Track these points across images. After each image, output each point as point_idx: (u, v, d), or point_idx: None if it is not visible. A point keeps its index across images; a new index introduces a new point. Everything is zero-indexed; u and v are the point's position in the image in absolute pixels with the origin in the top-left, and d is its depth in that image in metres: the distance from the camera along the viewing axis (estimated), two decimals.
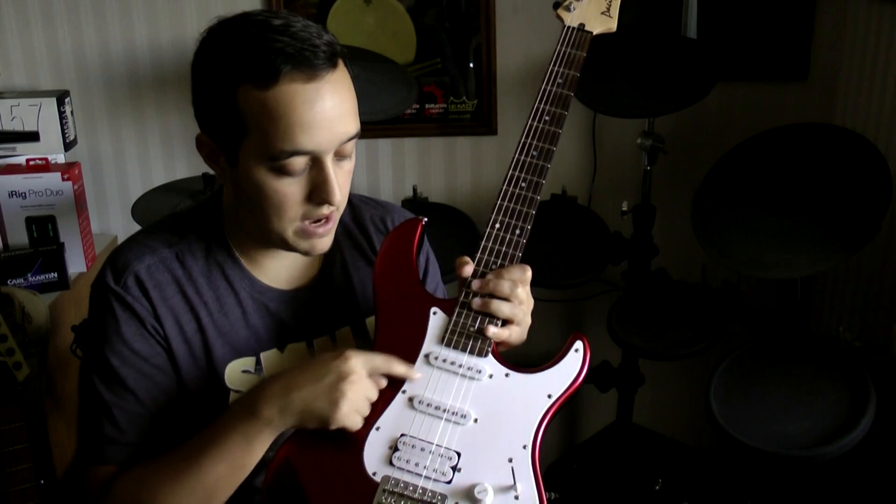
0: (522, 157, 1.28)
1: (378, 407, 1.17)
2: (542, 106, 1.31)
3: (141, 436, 1.22)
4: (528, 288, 1.24)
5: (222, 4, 2.41)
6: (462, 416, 1.16)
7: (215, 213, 1.30)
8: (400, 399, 1.18)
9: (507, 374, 1.19)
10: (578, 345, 1.21)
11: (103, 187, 2.56)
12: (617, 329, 2.17)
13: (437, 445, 1.15)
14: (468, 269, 1.24)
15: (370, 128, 2.46)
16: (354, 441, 1.15)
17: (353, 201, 1.41)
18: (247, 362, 1.27)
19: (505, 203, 1.26)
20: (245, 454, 1.15)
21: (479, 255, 1.25)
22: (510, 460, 1.14)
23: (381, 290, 1.26)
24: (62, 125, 2.33)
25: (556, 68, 1.33)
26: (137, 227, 2.05)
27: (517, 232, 1.25)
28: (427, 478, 1.13)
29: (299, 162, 1.14)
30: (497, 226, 1.25)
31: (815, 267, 1.92)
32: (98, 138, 2.52)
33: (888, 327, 2.01)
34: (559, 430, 2.81)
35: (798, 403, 1.85)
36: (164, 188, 2.29)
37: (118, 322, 1.22)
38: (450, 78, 2.49)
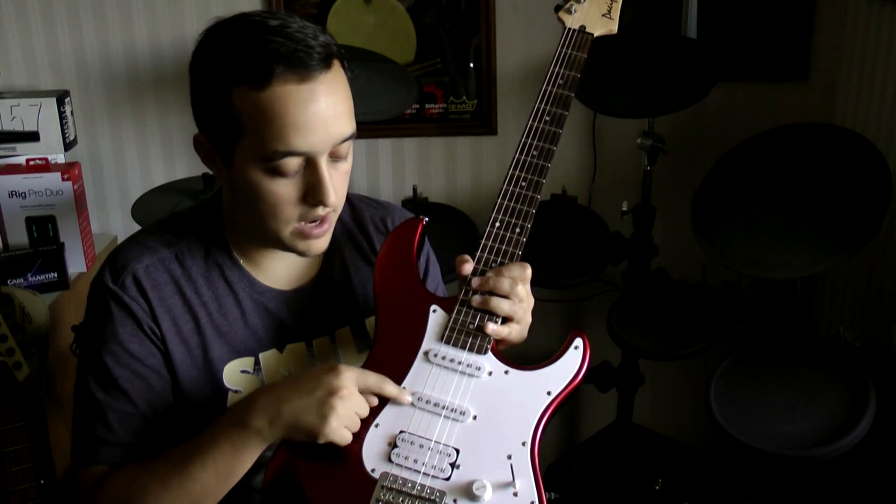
0: (523, 157, 1.29)
1: (378, 404, 1.17)
2: (542, 106, 1.32)
3: (133, 436, 1.21)
4: (528, 286, 1.24)
5: (222, 4, 2.41)
6: (461, 412, 1.16)
7: (215, 213, 1.30)
8: None
9: (506, 372, 1.19)
10: (578, 342, 1.21)
11: (103, 187, 2.56)
12: (617, 329, 2.17)
13: (435, 442, 1.15)
14: (468, 267, 1.24)
15: (370, 128, 2.46)
16: (353, 438, 1.15)
17: (354, 201, 1.41)
18: (246, 362, 1.27)
19: (505, 202, 1.27)
20: (233, 463, 1.15)
21: (479, 253, 1.25)
22: (509, 457, 1.14)
23: (381, 289, 1.26)
24: (62, 125, 2.33)
25: (556, 69, 1.34)
26: (137, 227, 2.05)
27: (517, 230, 1.25)
28: (426, 474, 1.13)
29: (293, 163, 1.14)
30: (497, 224, 1.26)
31: (815, 267, 1.92)
32: (98, 138, 2.52)
33: (888, 327, 2.01)
34: (559, 430, 2.81)
35: (798, 403, 1.85)
36: (164, 188, 2.29)
37: (114, 322, 1.22)
38: (450, 78, 2.49)
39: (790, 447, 1.76)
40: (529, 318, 1.26)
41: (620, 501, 2.26)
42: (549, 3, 2.41)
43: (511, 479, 1.12)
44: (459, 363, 1.19)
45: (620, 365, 2.40)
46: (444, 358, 1.20)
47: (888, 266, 2.12)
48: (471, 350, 1.20)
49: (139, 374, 1.22)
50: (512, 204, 1.26)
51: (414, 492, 1.11)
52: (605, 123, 2.47)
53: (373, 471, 1.14)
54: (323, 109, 1.13)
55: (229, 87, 1.12)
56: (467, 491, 1.11)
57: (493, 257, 1.24)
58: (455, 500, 1.11)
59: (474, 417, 1.16)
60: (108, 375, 1.21)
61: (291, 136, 1.12)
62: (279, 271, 1.30)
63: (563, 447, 2.80)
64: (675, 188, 2.46)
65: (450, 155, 2.55)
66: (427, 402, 1.17)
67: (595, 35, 1.37)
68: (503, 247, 1.25)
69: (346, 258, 1.36)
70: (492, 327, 1.20)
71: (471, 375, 1.19)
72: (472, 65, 2.47)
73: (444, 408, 1.17)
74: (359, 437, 1.15)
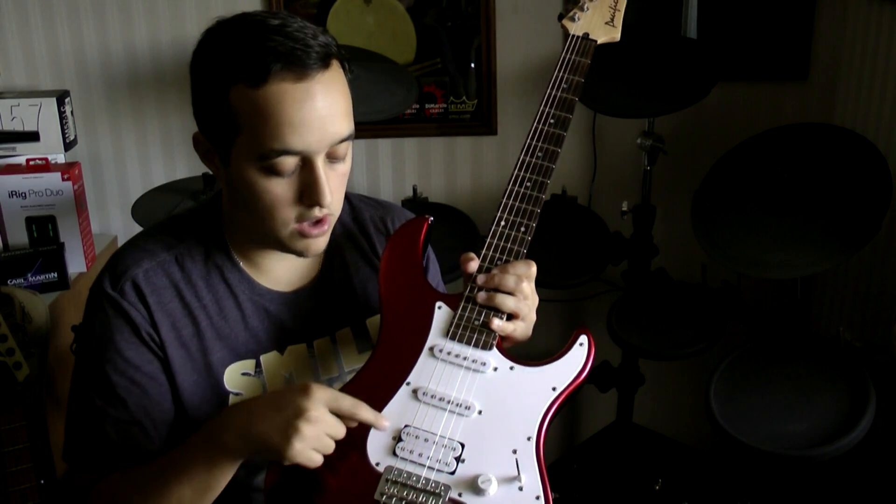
0: (528, 158, 1.31)
1: (382, 399, 1.18)
2: (547, 110, 1.35)
3: (127, 444, 1.21)
4: (532, 284, 1.24)
5: (222, 4, 2.41)
6: (466, 407, 1.17)
7: (215, 215, 1.29)
8: (404, 391, 1.19)
9: (511, 368, 1.20)
10: (583, 339, 1.22)
11: (103, 187, 2.56)
12: (617, 329, 2.17)
13: (440, 436, 1.15)
14: (473, 265, 1.24)
15: (370, 128, 2.46)
16: (357, 431, 1.15)
17: (354, 201, 1.41)
18: (247, 365, 1.27)
19: (510, 201, 1.28)
20: (208, 478, 1.13)
21: (484, 251, 1.26)
22: (514, 451, 1.14)
23: (386, 286, 1.27)
24: (62, 125, 2.33)
25: (561, 74, 1.37)
26: (137, 227, 2.06)
27: (522, 229, 1.26)
28: (430, 468, 1.13)
29: (289, 162, 1.14)
30: (502, 223, 1.27)
31: (815, 267, 1.93)
32: (98, 138, 2.52)
33: (888, 327, 2.01)
34: (559, 430, 2.81)
35: (798, 403, 1.85)
36: (164, 188, 2.29)
37: (111, 328, 1.21)
38: (450, 78, 2.49)
39: (790, 447, 1.76)
40: (534, 316, 1.26)
41: (620, 501, 2.26)
42: (550, 3, 2.43)
43: (516, 473, 1.12)
44: (465, 359, 1.20)
45: (620, 365, 2.40)
46: (449, 353, 1.20)
47: (888, 266, 2.12)
48: (476, 346, 1.20)
49: (136, 382, 1.21)
50: (517, 203, 1.28)
51: (419, 485, 1.11)
52: (605, 123, 2.47)
53: (377, 464, 1.14)
54: (319, 108, 1.13)
55: (227, 85, 1.13)
56: (472, 485, 1.11)
57: (498, 255, 1.25)
58: (460, 494, 1.11)
59: (479, 412, 1.17)
60: (104, 383, 1.21)
61: (287, 134, 1.11)
62: (279, 273, 1.30)
63: (563, 447, 2.80)
64: (675, 188, 2.46)
65: (450, 155, 2.55)
66: (432, 396, 1.18)
67: (598, 42, 1.41)
68: (508, 245, 1.26)
69: (346, 258, 1.35)
70: (497, 323, 1.21)
71: (476, 371, 1.19)
72: (472, 65, 2.47)
73: (449, 402, 1.17)
74: (364, 430, 1.15)
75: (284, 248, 1.22)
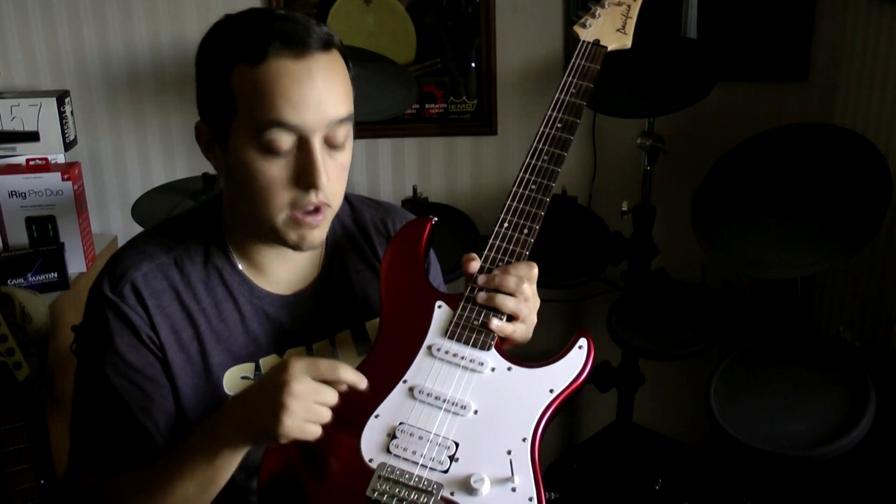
0: (534, 161, 1.31)
1: (378, 395, 1.17)
2: (554, 114, 1.35)
3: (129, 446, 1.21)
4: (534, 286, 1.24)
5: (222, 4, 2.41)
6: (462, 406, 1.16)
7: (214, 215, 1.29)
8: (400, 388, 1.19)
9: (509, 368, 1.20)
10: (583, 342, 1.22)
11: (103, 187, 2.56)
12: (617, 329, 2.17)
13: (435, 434, 1.14)
14: (475, 265, 1.24)
15: (370, 128, 2.46)
16: (353, 427, 1.15)
17: (354, 203, 1.40)
18: (246, 368, 1.26)
19: (514, 203, 1.28)
20: (211, 472, 1.13)
21: (486, 251, 1.26)
22: (509, 452, 1.14)
23: (387, 284, 1.27)
24: (62, 125, 2.33)
25: (570, 79, 1.38)
26: (137, 227, 2.06)
27: (525, 231, 1.26)
28: (424, 466, 1.12)
29: (284, 138, 1.13)
30: (506, 224, 1.27)
31: (815, 267, 1.93)
32: (98, 138, 2.52)
33: (888, 327, 2.01)
34: (559, 430, 2.81)
35: (798, 403, 1.85)
36: (164, 188, 2.29)
37: (111, 332, 1.21)
38: (450, 78, 2.49)
39: (790, 447, 1.76)
40: (534, 319, 1.26)
41: (620, 501, 2.26)
42: (550, 3, 2.43)
43: (510, 474, 1.12)
44: (462, 358, 1.20)
45: (620, 365, 2.40)
46: (447, 352, 1.20)
47: (888, 266, 2.12)
48: (474, 346, 1.20)
49: (137, 384, 1.21)
50: (521, 206, 1.28)
51: (411, 483, 1.11)
52: (605, 123, 2.47)
53: (371, 461, 1.13)
54: (317, 85, 1.14)
55: (229, 66, 1.14)
56: (465, 484, 1.11)
57: (499, 256, 1.25)
58: (452, 493, 1.11)
59: (475, 412, 1.16)
60: (106, 386, 1.21)
61: (283, 107, 1.12)
62: (279, 275, 1.29)
63: (563, 447, 2.80)
64: (675, 188, 2.46)
65: (450, 155, 2.55)
66: (428, 394, 1.17)
67: (609, 49, 1.42)
68: (510, 246, 1.26)
69: (346, 261, 1.35)
70: (496, 323, 1.20)
71: (473, 371, 1.19)
72: (473, 64, 2.47)
73: (445, 401, 1.17)
74: (358, 427, 1.15)
75: (279, 237, 1.20)
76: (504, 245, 1.26)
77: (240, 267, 1.27)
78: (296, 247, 1.21)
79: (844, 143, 2.02)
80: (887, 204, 1.85)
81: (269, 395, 1.07)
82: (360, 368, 1.21)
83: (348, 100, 1.19)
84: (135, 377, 1.21)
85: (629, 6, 1.46)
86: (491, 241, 1.27)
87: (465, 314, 1.22)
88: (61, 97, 2.33)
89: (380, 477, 1.12)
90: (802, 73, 2.42)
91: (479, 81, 2.48)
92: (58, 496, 1.85)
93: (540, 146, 1.32)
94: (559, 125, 1.33)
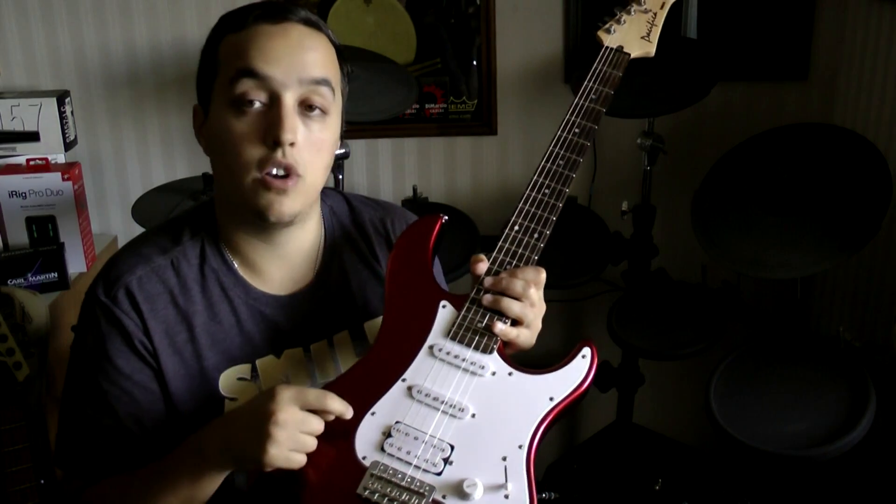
0: (549, 165, 1.30)
1: (376, 392, 1.17)
2: (573, 119, 1.34)
3: (115, 451, 1.21)
4: (541, 291, 1.23)
5: (222, 4, 2.41)
6: (460, 409, 1.15)
7: (210, 215, 1.29)
8: (399, 387, 1.18)
9: (510, 373, 1.18)
10: (586, 351, 1.20)
11: (103, 187, 2.56)
12: (617, 329, 2.17)
13: (430, 436, 1.13)
14: (482, 267, 1.23)
15: (370, 128, 2.46)
16: (348, 425, 1.14)
17: (353, 203, 1.40)
18: (242, 370, 1.25)
19: (526, 207, 1.27)
20: (194, 490, 1.13)
21: (494, 254, 1.25)
22: (504, 458, 1.12)
23: (392, 280, 1.26)
24: (62, 125, 2.33)
25: (591, 84, 1.37)
26: (137, 227, 2.06)
27: (535, 235, 1.25)
28: (417, 467, 1.11)
29: (255, 92, 1.15)
30: (516, 228, 1.26)
31: (815, 267, 1.93)
32: (98, 138, 2.52)
33: (888, 327, 2.01)
34: (559, 430, 2.81)
35: (798, 403, 1.85)
36: (164, 188, 2.28)
37: (103, 337, 1.21)
38: (450, 77, 2.49)
39: (790, 447, 1.76)
40: (539, 324, 1.24)
41: (620, 501, 2.26)
42: (550, 3, 2.43)
43: (504, 480, 1.10)
44: (463, 360, 1.19)
45: (620, 365, 2.40)
46: (448, 354, 1.19)
47: (888, 266, 2.12)
48: (476, 348, 1.19)
49: (126, 391, 1.21)
50: (533, 209, 1.27)
51: (403, 483, 1.10)
52: (605, 123, 2.44)
53: (364, 458, 1.12)
54: (292, 43, 1.18)
55: (218, 40, 1.20)
56: (457, 488, 1.10)
57: (508, 259, 1.24)
58: (444, 497, 1.10)
59: (473, 415, 1.15)
60: (95, 390, 1.21)
61: (255, 57, 1.16)
62: (275, 275, 1.28)
63: (563, 447, 2.80)
64: (675, 188, 2.46)
65: (450, 155, 2.55)
66: (426, 395, 1.16)
67: (632, 56, 1.41)
68: (519, 250, 1.24)
69: (344, 261, 1.34)
70: (500, 327, 1.19)
71: (473, 373, 1.18)
72: (475, 63, 2.47)
73: (443, 403, 1.16)
74: (354, 423, 1.14)
75: (248, 205, 1.19)
76: (513, 248, 1.25)
77: (236, 267, 1.27)
78: (262, 215, 1.18)
79: (844, 143, 2.02)
80: (887, 204, 1.85)
81: (255, 423, 1.07)
82: (360, 364, 1.21)
83: (327, 68, 1.20)
84: (124, 383, 1.21)
85: (655, 14, 1.44)
86: (500, 243, 1.25)
87: (470, 316, 1.21)
88: (61, 97, 2.33)
89: (372, 475, 1.11)
90: (802, 73, 2.42)
91: (479, 81, 2.48)
92: (58, 496, 1.85)
93: (556, 150, 1.31)
94: (577, 130, 1.32)
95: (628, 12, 1.44)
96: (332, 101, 1.21)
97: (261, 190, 1.17)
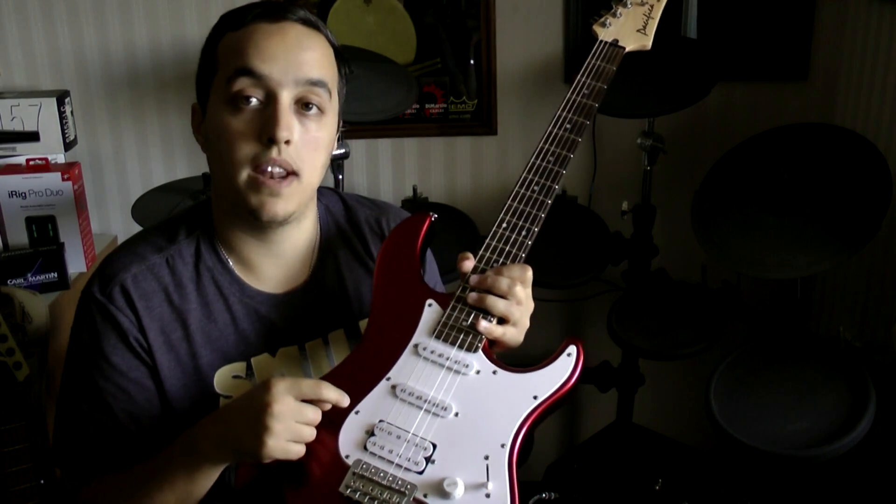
0: (538, 162, 1.29)
1: (360, 391, 1.16)
2: (564, 114, 1.32)
3: (110, 449, 1.21)
4: (528, 290, 1.22)
5: (222, 4, 2.41)
6: (443, 408, 1.15)
7: (207, 214, 1.29)
8: (383, 386, 1.17)
9: (494, 372, 1.17)
10: (572, 349, 1.19)
11: (103, 187, 2.56)
12: (617, 329, 2.17)
13: (413, 435, 1.13)
14: (468, 264, 1.22)
15: (370, 128, 2.46)
16: (332, 423, 1.14)
17: (349, 202, 1.40)
18: (237, 368, 1.26)
19: (514, 204, 1.26)
20: (190, 485, 1.14)
21: (481, 251, 1.24)
22: (486, 457, 1.11)
23: (380, 279, 1.25)
24: (62, 125, 2.33)
25: (584, 79, 1.35)
26: (137, 227, 2.06)
27: (523, 233, 1.24)
28: (398, 465, 1.11)
29: (252, 90, 1.16)
30: (504, 225, 1.25)
31: (815, 267, 1.92)
32: (98, 138, 2.52)
33: (888, 327, 2.01)
34: (559, 430, 2.81)
35: (798, 403, 1.85)
36: (164, 188, 2.28)
37: (98, 334, 1.21)
38: (450, 77, 2.49)
39: (790, 447, 1.76)
40: (527, 322, 1.24)
41: (620, 501, 2.26)
42: (550, 3, 2.43)
43: (485, 479, 1.10)
44: (448, 359, 1.18)
45: (620, 365, 2.40)
46: (432, 352, 1.19)
47: (888, 266, 2.12)
48: (461, 347, 1.18)
49: (122, 388, 1.21)
50: (521, 206, 1.26)
51: (384, 482, 1.10)
52: (605, 123, 2.47)
53: (347, 457, 1.12)
54: (290, 43, 1.18)
55: (218, 38, 1.21)
56: (439, 487, 1.09)
57: (495, 257, 1.23)
58: (425, 495, 1.09)
59: (456, 414, 1.14)
60: (90, 387, 1.21)
61: (253, 56, 1.16)
62: (270, 273, 1.28)
63: (563, 447, 2.80)
64: (675, 188, 2.46)
65: (450, 155, 2.55)
66: (410, 394, 1.16)
67: (627, 49, 1.38)
68: (506, 247, 1.23)
69: (339, 260, 1.34)
70: (484, 325, 1.18)
71: (457, 372, 1.17)
72: (472, 62, 2.47)
73: (426, 401, 1.15)
74: (338, 421, 1.14)
75: (241, 204, 1.19)
76: (500, 246, 1.24)
77: (231, 266, 1.27)
78: (255, 214, 1.18)
79: (844, 143, 2.02)
80: (887, 204, 1.85)
81: (251, 415, 1.07)
82: (345, 363, 1.21)
83: (324, 69, 1.21)
84: (119, 380, 1.21)
85: (651, 6, 1.42)
86: (487, 240, 1.24)
87: (455, 314, 1.20)
88: (61, 97, 2.33)
89: (354, 474, 1.10)
90: (802, 73, 2.42)
91: (479, 81, 2.48)
92: (58, 496, 1.85)
93: (546, 146, 1.29)
94: (568, 126, 1.31)
95: (624, 5, 1.42)
96: (329, 102, 1.21)
97: (254, 188, 1.17)
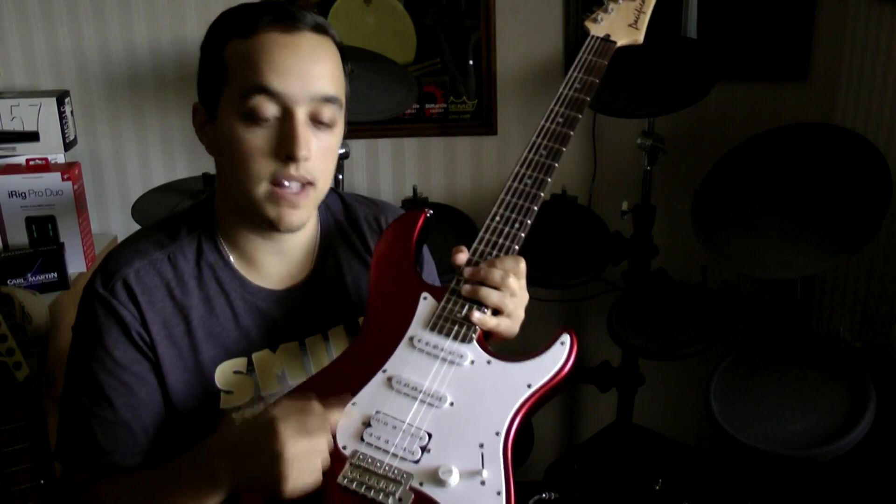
0: (531, 156, 1.30)
1: (357, 384, 1.18)
2: (556, 108, 1.33)
3: (115, 444, 1.21)
4: (522, 282, 1.23)
5: (222, 4, 2.41)
6: (438, 398, 1.16)
7: (209, 211, 1.30)
8: (379, 378, 1.19)
9: (488, 362, 1.19)
10: (565, 338, 1.20)
11: (103, 187, 2.56)
12: (617, 329, 2.17)
13: (408, 425, 1.14)
14: (462, 257, 1.24)
15: (370, 128, 2.46)
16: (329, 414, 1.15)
17: (347, 200, 1.41)
18: (238, 363, 1.26)
19: (507, 197, 1.27)
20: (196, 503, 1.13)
21: (475, 244, 1.25)
22: (481, 445, 1.12)
23: (376, 274, 1.28)
24: (62, 125, 2.33)
25: (575, 74, 1.36)
26: (137, 227, 2.06)
27: (516, 225, 1.25)
28: (395, 455, 1.12)
29: (268, 107, 1.15)
30: (497, 218, 1.26)
31: (815, 267, 1.93)
32: (98, 138, 2.52)
33: (888, 327, 2.01)
34: (559, 430, 2.81)
35: (798, 403, 1.85)
36: (163, 188, 2.29)
37: (101, 329, 1.22)
38: (450, 78, 2.49)
39: (790, 447, 1.76)
40: (521, 314, 1.25)
41: (620, 501, 2.26)
42: (550, 3, 2.43)
43: (480, 467, 1.10)
44: (442, 350, 1.19)
45: (620, 365, 2.40)
46: (427, 344, 1.20)
47: (888, 266, 2.12)
48: (455, 338, 1.20)
49: (124, 382, 1.21)
50: (514, 200, 1.27)
51: (381, 471, 1.11)
52: (605, 123, 2.47)
53: (344, 448, 1.13)
54: (304, 57, 1.17)
55: (223, 42, 1.19)
56: (434, 475, 1.10)
57: (488, 249, 1.24)
58: (421, 484, 1.10)
59: (451, 404, 1.16)
60: (92, 381, 1.21)
61: (268, 72, 1.15)
62: (271, 269, 1.29)
63: (563, 447, 2.80)
64: (675, 188, 2.46)
65: (450, 155, 2.55)
66: (405, 385, 1.17)
67: (619, 44, 1.40)
68: (500, 240, 1.25)
69: (339, 256, 1.35)
70: (477, 315, 1.20)
71: (452, 363, 1.18)
72: (471, 62, 2.47)
73: (421, 392, 1.16)
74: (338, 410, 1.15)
75: (258, 213, 1.20)
76: (493, 238, 1.25)
77: (232, 262, 1.28)
78: (273, 225, 1.20)
79: (844, 143, 2.02)
80: (887, 204, 1.85)
81: (262, 460, 1.06)
82: (343, 356, 1.23)
83: (336, 82, 1.21)
84: (121, 374, 1.21)
85: (643, 1, 1.43)
86: (481, 234, 1.26)
87: (449, 306, 1.22)
88: (61, 97, 2.33)
89: (352, 465, 1.11)
90: (802, 73, 2.42)
91: (479, 81, 2.48)
92: (58, 496, 1.85)
93: (539, 140, 1.31)
94: (560, 120, 1.32)
95: (615, 0, 1.44)
96: (339, 112, 1.23)
97: (272, 200, 1.19)
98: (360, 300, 1.35)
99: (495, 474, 1.10)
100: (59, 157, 2.32)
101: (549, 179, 1.28)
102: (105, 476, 1.22)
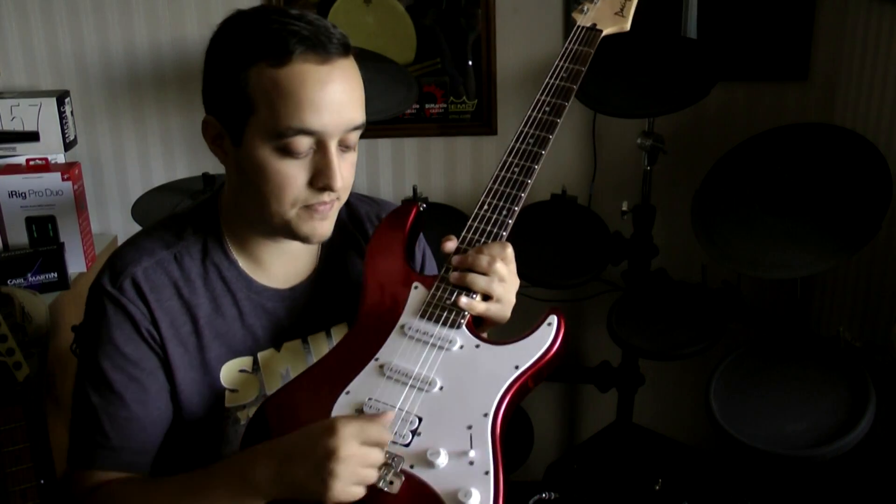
0: (518, 145, 1.32)
1: (350, 373, 1.20)
2: (543, 98, 1.35)
3: (127, 441, 1.22)
4: (511, 266, 1.25)
5: (222, 4, 2.41)
6: (427, 382, 1.18)
7: (213, 211, 1.30)
8: (371, 366, 1.21)
9: (477, 346, 1.21)
10: (552, 319, 1.22)
11: (103, 187, 2.56)
12: (617, 329, 2.17)
13: (399, 409, 1.16)
14: (450, 245, 1.26)
15: (370, 128, 2.42)
16: (324, 404, 1.17)
17: (349, 199, 1.41)
18: (244, 362, 1.28)
19: (495, 186, 1.30)
20: None
21: (464, 233, 1.28)
22: (469, 427, 1.14)
23: (368, 267, 1.30)
24: (62, 125, 2.33)
25: (561, 63, 1.38)
26: (137, 227, 2.06)
27: (503, 212, 1.27)
28: None
29: (304, 143, 1.15)
30: (485, 207, 1.29)
31: (815, 267, 1.92)
32: (98, 138, 2.52)
33: (888, 327, 2.01)
34: (559, 430, 2.81)
35: (798, 403, 1.85)
36: (164, 188, 2.29)
37: (110, 325, 1.22)
38: (450, 78, 2.49)
39: (790, 447, 1.76)
40: (512, 298, 1.26)
41: (620, 501, 2.26)
42: (550, 3, 2.43)
43: (468, 447, 1.12)
44: (432, 336, 1.21)
45: (620, 365, 2.40)
46: (417, 331, 1.22)
47: (888, 266, 2.12)
48: (444, 324, 1.22)
49: (134, 378, 1.22)
50: (501, 188, 1.29)
51: None
52: (605, 123, 2.47)
53: None
54: (339, 92, 1.16)
55: (248, 64, 1.15)
56: (423, 457, 1.12)
57: (476, 237, 1.27)
58: (412, 466, 1.12)
59: (440, 388, 1.18)
60: (103, 379, 1.22)
61: (307, 113, 1.14)
62: (276, 269, 1.30)
63: (563, 447, 2.80)
64: (675, 188, 2.46)
65: (450, 155, 2.55)
66: (396, 371, 1.19)
67: (605, 32, 1.41)
68: (487, 227, 1.27)
69: (342, 254, 1.37)
70: (464, 300, 1.22)
71: (441, 348, 1.20)
72: (470, 62, 2.47)
73: (411, 377, 1.18)
74: (330, 402, 1.17)
75: (290, 232, 1.22)
76: (481, 226, 1.27)
77: (238, 262, 1.28)
78: (306, 240, 1.23)
79: (844, 143, 2.02)
80: (887, 204, 1.85)
81: (316, 458, 1.06)
82: (337, 347, 1.25)
83: (363, 106, 1.21)
84: (131, 370, 1.22)
85: None
86: (469, 222, 1.29)
87: (438, 294, 1.24)
88: (61, 97, 2.33)
89: None
90: (802, 73, 2.42)
91: (479, 81, 2.48)
92: (58, 496, 1.85)
93: (525, 129, 1.33)
94: (546, 108, 1.33)
95: None
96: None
97: (305, 220, 1.20)
98: None
99: (483, 455, 1.12)
100: (59, 157, 2.32)
101: (537, 167, 1.29)
102: (114, 470, 1.22)
